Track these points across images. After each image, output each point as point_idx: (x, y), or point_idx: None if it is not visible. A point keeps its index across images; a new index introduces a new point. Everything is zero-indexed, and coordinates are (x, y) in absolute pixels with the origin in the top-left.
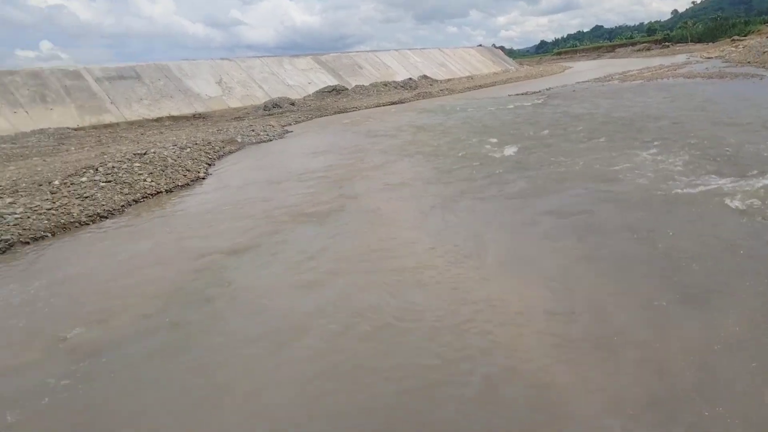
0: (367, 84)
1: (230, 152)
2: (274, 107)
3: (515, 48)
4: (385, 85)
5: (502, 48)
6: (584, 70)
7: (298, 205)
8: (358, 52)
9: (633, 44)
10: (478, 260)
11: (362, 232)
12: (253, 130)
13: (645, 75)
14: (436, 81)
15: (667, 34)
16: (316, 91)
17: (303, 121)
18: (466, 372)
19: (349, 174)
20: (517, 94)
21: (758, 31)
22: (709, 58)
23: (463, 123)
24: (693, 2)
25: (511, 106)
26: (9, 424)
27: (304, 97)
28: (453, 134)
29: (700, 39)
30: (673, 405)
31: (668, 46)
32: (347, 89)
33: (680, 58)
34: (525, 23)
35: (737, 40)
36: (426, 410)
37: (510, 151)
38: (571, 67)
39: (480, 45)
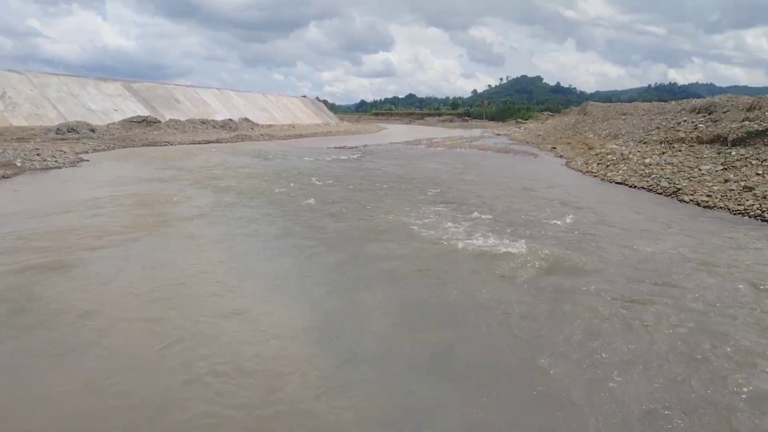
0: (183, 119)
1: (4, 177)
2: (69, 131)
3: (338, 103)
4: (203, 122)
5: (325, 102)
6: (397, 132)
7: (73, 242)
8: (176, 85)
9: (439, 115)
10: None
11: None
12: (38, 155)
13: (447, 143)
14: (258, 125)
15: (468, 110)
16: (124, 120)
17: (103, 150)
18: None
19: (146, 210)
20: (336, 148)
21: (536, 117)
22: (498, 134)
23: (279, 169)
24: (489, 86)
25: (329, 159)
26: None
27: (108, 124)
28: (266, 178)
29: (493, 117)
30: None
31: (467, 120)
32: (160, 122)
33: (476, 132)
34: (348, 82)
35: (520, 122)
36: None
37: (311, 200)
38: (386, 128)
39: (304, 96)
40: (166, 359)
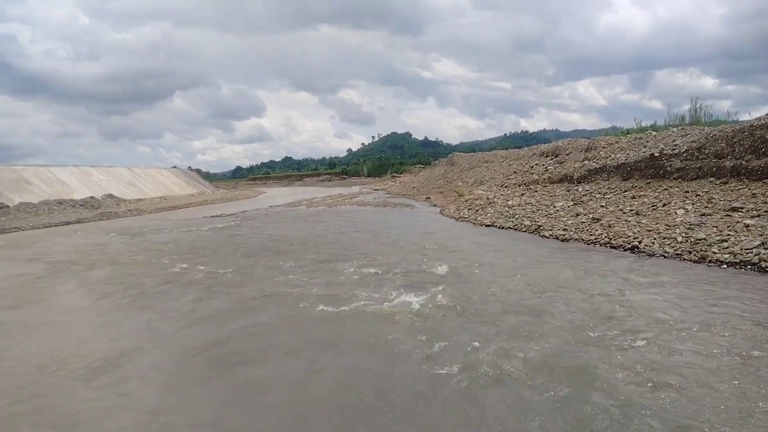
0: (36, 201)
1: None
2: None
3: (212, 171)
4: (60, 203)
5: (198, 171)
6: (277, 195)
7: None
8: (26, 166)
9: (317, 175)
10: None
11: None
12: None
13: (327, 202)
14: (124, 201)
15: (345, 168)
16: None
17: None
18: None
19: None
20: (213, 216)
21: (409, 170)
22: (376, 189)
23: (151, 244)
24: (363, 144)
25: (205, 228)
26: None
27: None
28: (136, 256)
29: (369, 174)
30: None
31: (345, 178)
32: (8, 207)
33: (355, 188)
34: (221, 149)
35: (395, 176)
36: None
37: (196, 271)
38: (265, 192)
39: (174, 167)
40: None
